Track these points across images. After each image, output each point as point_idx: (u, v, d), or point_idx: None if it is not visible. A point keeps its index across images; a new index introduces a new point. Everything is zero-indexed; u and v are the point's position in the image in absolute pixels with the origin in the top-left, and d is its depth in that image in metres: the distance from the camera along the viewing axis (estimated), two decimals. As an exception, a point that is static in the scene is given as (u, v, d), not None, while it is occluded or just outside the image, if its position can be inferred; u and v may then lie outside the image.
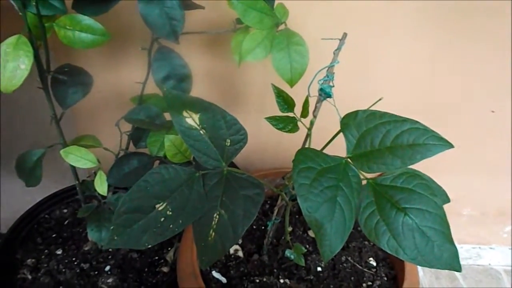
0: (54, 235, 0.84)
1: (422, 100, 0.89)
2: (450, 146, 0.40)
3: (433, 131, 0.41)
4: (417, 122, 0.42)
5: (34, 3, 0.51)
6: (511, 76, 0.84)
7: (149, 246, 0.46)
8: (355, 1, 0.74)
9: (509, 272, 1.09)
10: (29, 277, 0.76)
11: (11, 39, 0.52)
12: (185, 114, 0.49)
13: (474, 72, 0.84)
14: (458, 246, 1.11)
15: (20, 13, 0.52)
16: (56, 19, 0.54)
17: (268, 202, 0.90)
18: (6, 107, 0.84)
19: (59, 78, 0.61)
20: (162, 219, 0.46)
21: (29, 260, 0.78)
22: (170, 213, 0.47)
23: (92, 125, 0.87)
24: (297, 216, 0.86)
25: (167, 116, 0.65)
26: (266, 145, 0.96)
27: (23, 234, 0.83)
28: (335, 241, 0.40)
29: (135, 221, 0.46)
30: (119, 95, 0.81)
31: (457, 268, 0.39)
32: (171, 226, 0.46)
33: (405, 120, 0.42)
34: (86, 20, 0.53)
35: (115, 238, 0.45)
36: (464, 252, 1.12)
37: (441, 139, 0.41)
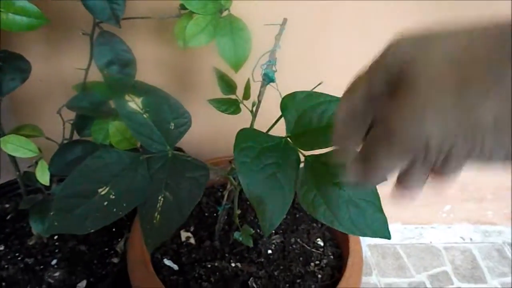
0: (-5, 231, 0.80)
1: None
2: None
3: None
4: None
5: (-39, -17, 0.48)
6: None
7: (92, 230, 0.45)
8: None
9: (448, 248, 1.17)
10: (-32, 275, 0.72)
11: None
12: (127, 98, 0.49)
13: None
14: (402, 226, 1.18)
15: None
16: (-13, 1, 0.52)
17: (220, 190, 0.91)
18: None
19: (-6, 64, 0.58)
20: (105, 203, 0.46)
21: (-33, 257, 0.75)
22: (113, 197, 0.46)
23: (34, 115, 0.83)
24: (248, 202, 0.87)
25: (112, 105, 0.64)
26: (218, 134, 0.97)
27: (-40, 231, 0.79)
28: (275, 216, 0.41)
29: (77, 206, 0.45)
30: (61, 84, 0.78)
31: (387, 235, 0.42)
32: (114, 210, 0.46)
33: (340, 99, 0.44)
34: (20, 2, 0.51)
35: (56, 223, 0.44)
36: (408, 232, 1.19)
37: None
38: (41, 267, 0.75)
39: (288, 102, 0.46)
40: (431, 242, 1.19)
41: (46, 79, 0.78)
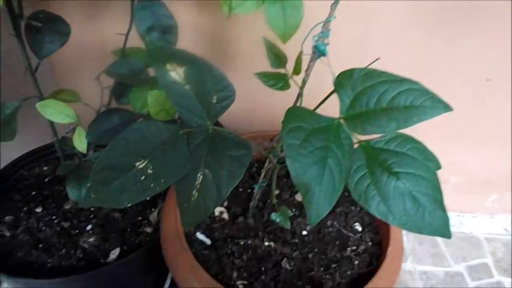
0: (33, 193, 0.82)
1: (417, 65, 0.86)
2: (449, 109, 0.38)
3: (432, 93, 0.39)
4: (416, 82, 0.39)
5: None
6: (510, 45, 0.82)
7: (129, 205, 0.43)
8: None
9: (490, 240, 1.11)
10: (7, 234, 0.74)
11: (-24, -23, 0.47)
12: (169, 67, 0.46)
13: (472, 40, 0.82)
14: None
15: None
16: (27, -43, 0.49)
17: (255, 165, 0.88)
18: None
19: (34, 25, 0.56)
20: (143, 177, 0.44)
21: (7, 217, 0.76)
22: (151, 171, 0.44)
23: (72, 80, 0.82)
24: (284, 180, 0.84)
25: (152, 72, 0.61)
26: (255, 107, 0.93)
27: (0, 191, 0.81)
28: (323, 205, 0.38)
29: (114, 179, 0.43)
30: (100, 48, 0.76)
31: (447, 234, 0.37)
32: (152, 185, 0.44)
33: (404, 80, 0.40)
34: (60, -42, 0.48)
35: (92, 196, 0.43)
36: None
37: (440, 101, 0.38)
38: (76, 231, 0.76)
39: (344, 80, 0.41)
40: (471, 232, 1.13)
41: (85, 44, 0.76)
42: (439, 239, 1.09)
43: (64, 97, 0.65)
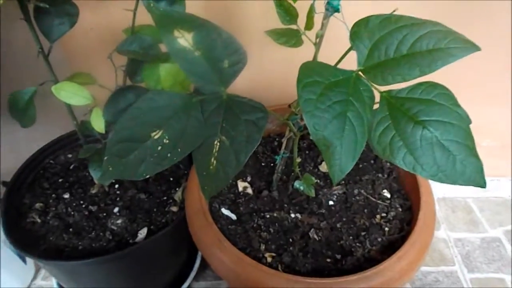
0: (60, 180, 0.83)
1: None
2: (476, 48, 0.35)
3: (456, 33, 0.36)
4: (438, 23, 0.37)
5: None
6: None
7: (147, 176, 0.43)
8: None
9: (528, 203, 1.06)
10: (38, 220, 0.75)
11: (-20, -41, 0.46)
12: (176, 33, 0.44)
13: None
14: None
15: None
16: None
17: (276, 139, 0.87)
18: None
19: (42, 7, 0.56)
20: (159, 147, 0.43)
21: (37, 204, 0.78)
22: (167, 141, 0.43)
23: (87, 64, 0.83)
24: (307, 152, 0.82)
25: (163, 48, 0.60)
26: (271, 79, 0.91)
27: (29, 180, 0.83)
28: (345, 160, 0.36)
29: (130, 151, 0.43)
30: (111, 30, 0.76)
31: (482, 183, 0.35)
32: (169, 155, 0.43)
33: (425, 22, 0.37)
34: None
35: (110, 169, 0.42)
36: (482, 184, 1.09)
37: (466, 41, 0.35)
38: (104, 214, 0.77)
39: (360, 29, 0.39)
40: (508, 196, 1.08)
41: (95, 27, 0.76)
42: (473, 205, 1.05)
43: (79, 80, 0.65)
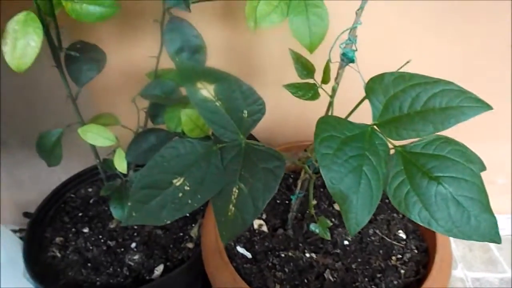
0: (80, 214, 0.85)
1: (454, 64, 0.84)
2: (488, 107, 0.36)
3: (468, 92, 0.37)
4: (450, 83, 0.38)
5: (39, -24, 0.49)
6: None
7: (168, 222, 0.44)
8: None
9: (548, 242, 1.04)
10: (58, 254, 0.77)
11: (19, 16, 0.50)
12: (199, 85, 0.47)
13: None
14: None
15: (27, -12, 0.51)
16: (63, -7, 0.53)
17: (292, 176, 0.88)
18: (27, 88, 0.84)
19: (72, 55, 0.59)
20: (180, 194, 0.45)
21: (57, 238, 0.80)
22: (188, 188, 0.45)
23: (111, 103, 0.86)
24: (321, 190, 0.83)
25: (184, 91, 0.63)
26: (288, 118, 0.93)
27: (51, 213, 0.85)
28: (361, 214, 0.37)
29: (153, 197, 0.45)
30: (135, 71, 0.79)
31: (497, 239, 0.35)
32: (189, 201, 0.45)
33: (437, 81, 0.38)
34: (93, -9, 0.51)
35: (133, 214, 0.44)
36: (500, 222, 1.07)
37: (478, 100, 0.37)
38: (122, 249, 0.78)
39: (375, 85, 0.41)
40: (527, 235, 1.06)
41: (120, 68, 0.80)
42: (491, 244, 1.03)
43: (103, 121, 0.68)
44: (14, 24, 0.50)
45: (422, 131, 0.38)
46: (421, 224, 0.36)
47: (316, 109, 0.57)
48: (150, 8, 0.60)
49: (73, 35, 0.70)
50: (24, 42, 0.50)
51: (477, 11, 0.75)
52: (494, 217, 0.36)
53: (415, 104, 0.39)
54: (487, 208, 0.36)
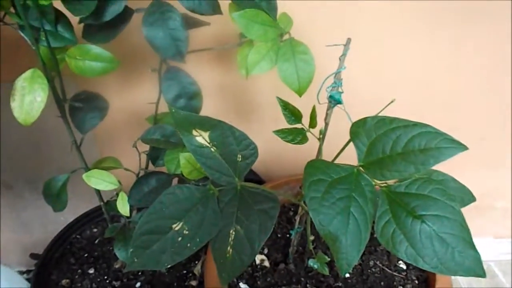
0: (86, 255, 0.87)
1: (440, 96, 0.87)
2: (464, 148, 0.39)
3: (445, 134, 0.40)
4: (427, 125, 0.41)
5: (44, 38, 0.53)
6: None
7: (169, 266, 0.46)
8: (358, 6, 0.73)
9: (553, 265, 1.04)
10: (65, 297, 0.78)
11: (27, 74, 0.54)
12: (194, 133, 0.49)
13: (496, 64, 0.82)
14: (495, 241, 1.07)
15: (33, 48, 0.54)
16: (67, 50, 0.56)
17: (292, 209, 0.90)
18: (33, 135, 0.88)
19: (76, 106, 0.63)
20: (180, 238, 0.47)
21: (64, 281, 0.81)
22: (187, 232, 0.47)
23: (114, 147, 0.89)
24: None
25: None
26: (286, 151, 0.95)
27: (57, 255, 0.87)
28: (351, 253, 0.39)
29: (153, 242, 0.46)
30: (136, 116, 0.83)
31: (481, 273, 0.37)
32: (188, 245, 0.47)
33: (415, 124, 0.41)
34: (95, 49, 0.55)
35: (135, 260, 0.46)
36: (502, 247, 1.07)
37: (453, 141, 0.39)
38: (127, 289, 0.79)
39: (358, 129, 0.43)
40: (531, 258, 1.06)
41: (121, 114, 0.83)
42: (495, 269, 1.03)
43: (107, 164, 0.70)
44: (22, 81, 0.54)
45: (404, 172, 0.40)
46: (408, 261, 0.38)
47: (312, 141, 0.59)
48: (148, 58, 0.64)
49: (76, 82, 0.74)
50: (31, 98, 0.53)
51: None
52: (478, 253, 0.37)
53: (396, 146, 0.41)
54: (471, 244, 0.38)
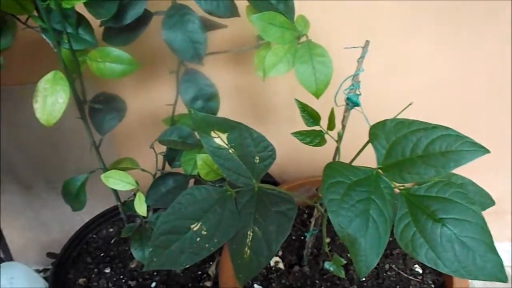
0: (102, 254, 0.88)
1: (458, 101, 0.86)
2: (485, 151, 0.38)
3: (466, 137, 0.39)
4: (448, 128, 0.40)
5: (66, 41, 0.54)
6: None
7: (187, 266, 0.47)
8: (376, 7, 0.73)
9: None
10: (82, 296, 0.80)
11: (49, 75, 0.55)
12: (213, 134, 0.50)
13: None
14: (511, 245, 1.05)
15: (55, 50, 0.56)
16: (88, 53, 0.57)
17: (306, 212, 0.89)
18: (52, 135, 0.89)
19: (96, 107, 0.64)
20: (198, 239, 0.47)
21: (80, 280, 0.83)
22: (205, 232, 0.48)
23: (131, 147, 0.90)
24: (336, 224, 0.84)
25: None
26: (301, 153, 0.95)
27: (74, 254, 0.88)
28: (370, 256, 0.39)
29: (172, 242, 0.47)
30: (153, 117, 0.84)
31: (502, 278, 0.37)
32: (206, 245, 0.47)
33: (436, 127, 0.41)
34: (115, 51, 0.56)
35: (154, 259, 0.47)
36: (520, 252, 1.05)
37: (475, 144, 0.39)
38: (142, 289, 0.80)
39: (378, 131, 0.43)
40: (549, 264, 1.04)
41: (139, 116, 0.84)
42: (510, 274, 1.01)
43: (124, 165, 0.71)
44: (44, 83, 0.55)
45: (425, 174, 0.40)
46: (428, 265, 0.38)
47: (328, 144, 0.59)
48: (166, 60, 0.65)
49: (95, 85, 0.76)
50: (53, 99, 0.54)
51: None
52: (499, 257, 0.37)
53: (417, 149, 0.41)
54: (492, 248, 0.37)
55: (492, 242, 0.38)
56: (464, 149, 0.39)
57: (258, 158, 0.50)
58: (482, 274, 0.37)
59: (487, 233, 0.38)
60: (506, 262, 1.03)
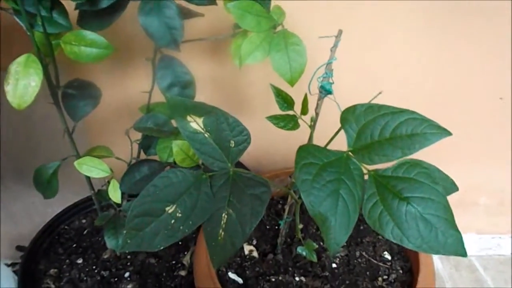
0: (74, 245, 0.87)
1: (427, 90, 0.89)
2: (448, 133, 0.41)
3: (430, 120, 0.42)
4: (414, 112, 0.42)
5: (40, 23, 0.53)
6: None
7: (162, 247, 0.47)
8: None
9: (532, 260, 1.07)
10: (53, 286, 0.78)
11: (21, 58, 0.54)
12: (189, 118, 0.50)
13: (481, 60, 0.84)
14: (477, 236, 1.10)
15: (28, 33, 0.55)
16: (62, 36, 0.57)
17: (281, 202, 0.91)
18: (23, 123, 0.87)
19: (69, 93, 0.63)
20: (173, 221, 0.48)
21: (51, 270, 0.81)
22: (180, 215, 0.48)
23: (105, 136, 0.89)
24: (309, 215, 0.86)
25: (175, 123, 0.67)
26: (275, 145, 0.97)
27: (45, 246, 0.86)
28: (339, 234, 0.40)
29: (147, 224, 0.47)
30: (128, 105, 0.83)
31: (462, 253, 0.39)
32: (181, 227, 0.48)
33: (403, 111, 0.43)
34: (90, 35, 0.55)
35: (129, 241, 0.47)
36: (484, 242, 1.10)
37: (439, 127, 0.41)
38: (115, 279, 0.79)
39: (348, 116, 0.45)
40: (510, 254, 1.09)
41: (114, 103, 0.84)
42: (476, 263, 1.06)
43: (98, 153, 0.71)
44: (16, 66, 0.54)
45: (392, 156, 0.42)
46: (394, 241, 0.40)
47: (301, 136, 0.61)
48: (142, 47, 0.65)
49: (69, 70, 0.75)
50: (25, 83, 0.53)
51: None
52: (459, 233, 0.39)
53: (385, 132, 0.43)
54: (453, 225, 0.39)
55: (453, 219, 0.40)
56: (429, 131, 0.41)
57: (233, 142, 0.51)
58: (444, 249, 0.39)
59: (449, 211, 0.40)
60: (470, 252, 1.08)
